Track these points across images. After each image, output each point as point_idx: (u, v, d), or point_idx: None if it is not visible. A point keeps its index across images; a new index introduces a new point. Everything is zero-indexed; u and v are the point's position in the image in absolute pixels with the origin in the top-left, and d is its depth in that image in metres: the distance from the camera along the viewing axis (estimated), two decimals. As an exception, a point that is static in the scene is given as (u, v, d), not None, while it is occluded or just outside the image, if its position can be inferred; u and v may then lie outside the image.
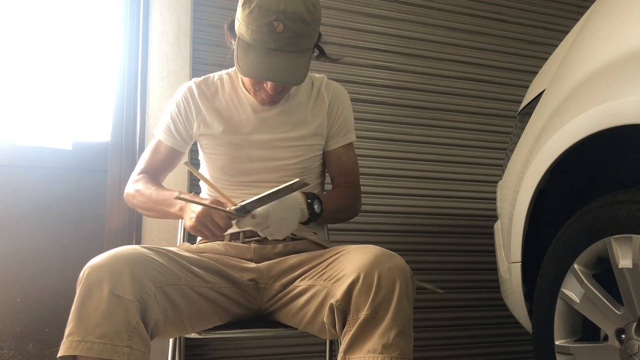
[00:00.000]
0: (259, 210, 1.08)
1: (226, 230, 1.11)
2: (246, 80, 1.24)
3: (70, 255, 1.70)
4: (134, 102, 1.80)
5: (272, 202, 1.09)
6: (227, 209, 1.07)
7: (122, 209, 1.74)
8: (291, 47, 1.13)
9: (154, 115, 1.77)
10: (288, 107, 1.31)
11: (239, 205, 1.07)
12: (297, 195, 1.16)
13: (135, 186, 1.29)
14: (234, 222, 1.10)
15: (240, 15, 1.14)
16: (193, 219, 1.09)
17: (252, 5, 1.10)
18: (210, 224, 1.08)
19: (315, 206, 1.18)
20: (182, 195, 1.14)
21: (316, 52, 1.26)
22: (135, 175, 1.33)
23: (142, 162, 1.35)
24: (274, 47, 1.12)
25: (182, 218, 1.21)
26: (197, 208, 1.09)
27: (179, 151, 1.34)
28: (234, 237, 1.26)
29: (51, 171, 1.71)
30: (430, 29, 2.16)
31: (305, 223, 1.19)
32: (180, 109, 1.31)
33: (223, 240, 1.26)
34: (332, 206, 1.26)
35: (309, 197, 1.18)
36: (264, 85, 1.20)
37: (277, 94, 1.22)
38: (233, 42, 1.22)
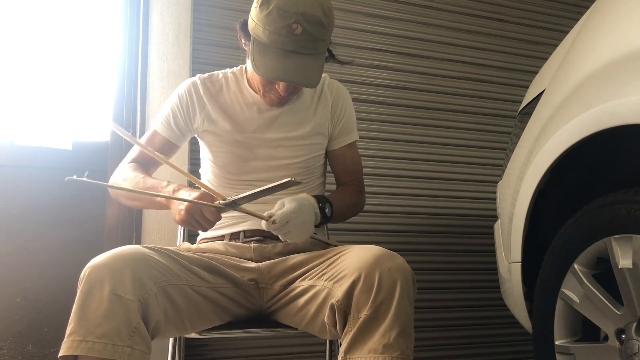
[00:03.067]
0: (279, 214, 1.09)
1: (214, 224, 1.11)
2: (256, 80, 1.24)
3: (70, 255, 1.70)
4: (133, 102, 1.80)
5: (291, 207, 1.10)
6: (215, 202, 1.07)
7: (122, 209, 1.74)
8: (308, 50, 1.13)
9: (154, 115, 1.76)
10: (292, 107, 1.31)
11: (228, 200, 1.07)
12: (311, 199, 1.17)
13: (122, 174, 1.27)
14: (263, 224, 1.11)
15: (256, 16, 1.13)
16: (182, 212, 1.08)
17: (270, 7, 1.10)
18: (200, 217, 1.08)
19: (327, 210, 1.19)
20: (170, 187, 1.14)
21: (325, 54, 1.26)
22: (124, 164, 1.30)
23: (133, 152, 1.33)
24: (292, 49, 1.12)
25: (167, 209, 1.19)
26: (187, 198, 1.08)
27: (174, 144, 1.33)
28: (234, 236, 1.26)
29: (51, 171, 1.71)
30: (430, 29, 2.16)
31: (316, 226, 1.20)
32: (183, 102, 1.31)
33: (222, 238, 1.25)
34: (341, 206, 1.28)
35: (320, 200, 1.19)
36: (276, 86, 1.20)
37: (288, 95, 1.22)
38: (244, 41, 1.22)
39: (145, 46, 1.81)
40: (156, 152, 1.17)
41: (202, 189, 1.14)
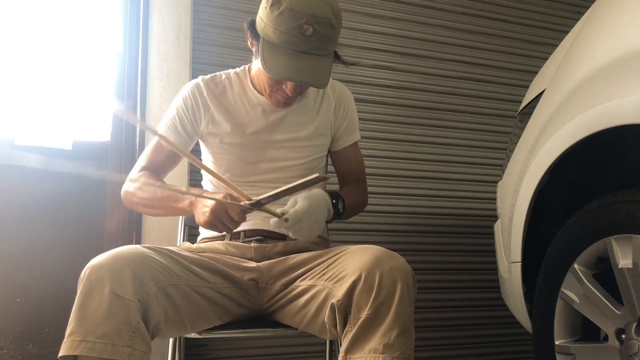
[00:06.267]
0: (292, 212, 1.07)
1: (239, 225, 1.10)
2: (262, 80, 1.23)
3: (70, 255, 1.70)
4: (134, 102, 1.80)
5: (304, 205, 1.08)
6: (241, 202, 1.06)
7: (122, 209, 1.73)
8: (318, 51, 1.14)
9: (154, 115, 1.77)
10: (296, 108, 1.31)
11: (254, 200, 1.06)
12: (324, 195, 1.16)
13: (136, 184, 1.26)
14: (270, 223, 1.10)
15: (266, 17, 1.13)
16: (207, 213, 1.08)
17: (281, 8, 1.10)
18: (225, 218, 1.07)
19: (340, 205, 1.19)
20: (192, 190, 1.14)
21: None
22: (135, 172, 1.29)
23: (142, 159, 1.31)
24: (302, 50, 1.12)
25: (189, 214, 1.19)
26: (211, 202, 1.08)
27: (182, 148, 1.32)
28: (235, 236, 1.26)
29: (51, 171, 1.71)
30: (430, 29, 2.16)
31: (327, 222, 1.20)
32: (188, 105, 1.30)
33: (223, 238, 1.25)
34: (351, 203, 1.28)
35: (333, 196, 1.19)
36: (283, 86, 1.19)
37: (294, 96, 1.22)
38: (250, 41, 1.21)
39: (145, 46, 1.81)
40: (177, 146, 1.15)
41: (223, 191, 1.12)
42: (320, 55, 1.15)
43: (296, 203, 1.09)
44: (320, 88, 1.21)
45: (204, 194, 1.13)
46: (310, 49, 1.12)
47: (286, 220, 1.07)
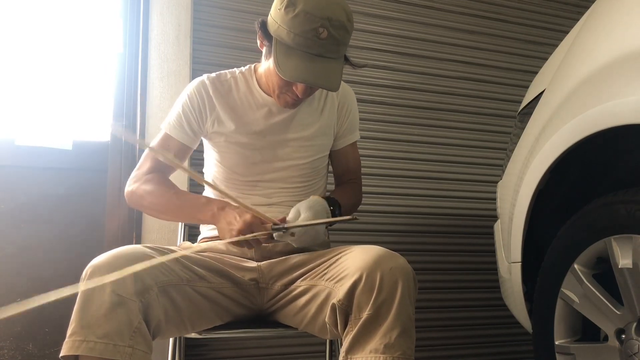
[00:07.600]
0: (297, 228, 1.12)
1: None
2: (272, 81, 1.22)
3: (70, 255, 1.70)
4: (133, 102, 1.80)
5: (307, 216, 1.12)
6: (267, 224, 1.10)
7: (122, 208, 1.74)
8: (331, 54, 1.14)
9: (154, 115, 1.77)
10: (300, 109, 1.30)
11: (281, 226, 1.10)
12: (325, 204, 1.17)
13: (146, 186, 1.23)
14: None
15: (280, 19, 1.13)
16: (234, 232, 1.09)
17: (296, 10, 1.10)
18: (252, 240, 1.09)
19: (337, 212, 1.21)
20: (214, 206, 1.16)
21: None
22: (141, 174, 1.26)
23: (148, 160, 1.28)
24: (317, 53, 1.12)
25: (209, 224, 1.22)
26: (239, 221, 1.09)
27: (188, 147, 1.30)
28: (236, 235, 1.26)
29: (51, 171, 1.71)
30: (430, 29, 2.17)
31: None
32: (194, 102, 1.28)
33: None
34: (347, 206, 1.29)
35: (331, 203, 1.20)
36: (294, 88, 1.19)
37: (304, 98, 1.22)
38: (260, 42, 1.21)
39: (145, 46, 1.81)
40: (184, 165, 1.16)
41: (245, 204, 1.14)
42: (333, 58, 1.15)
43: (299, 214, 1.12)
44: (333, 91, 1.20)
45: (222, 212, 1.15)
46: (324, 52, 1.13)
47: (292, 234, 1.10)
